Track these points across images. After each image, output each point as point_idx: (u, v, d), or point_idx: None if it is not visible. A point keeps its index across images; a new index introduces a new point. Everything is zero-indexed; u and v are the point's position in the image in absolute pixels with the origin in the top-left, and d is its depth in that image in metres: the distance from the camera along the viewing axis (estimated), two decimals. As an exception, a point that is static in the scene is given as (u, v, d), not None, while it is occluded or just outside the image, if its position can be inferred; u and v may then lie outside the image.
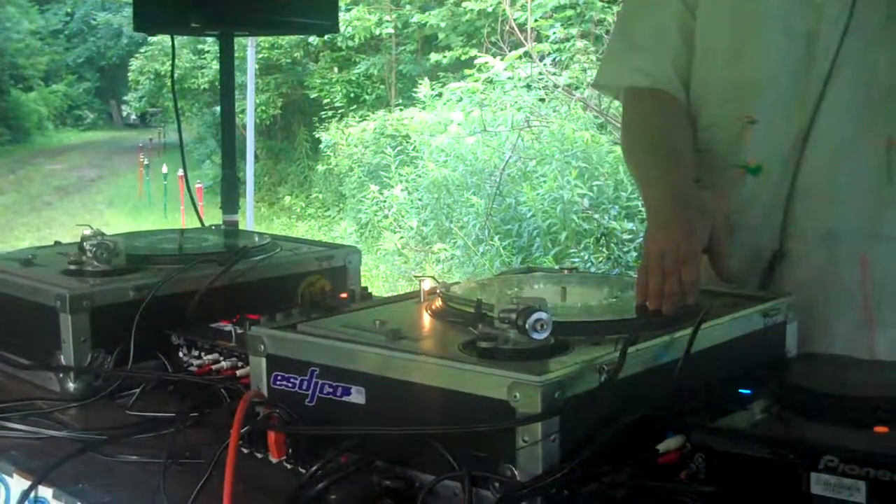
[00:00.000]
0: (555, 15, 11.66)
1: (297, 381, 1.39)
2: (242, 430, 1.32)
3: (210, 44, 16.81)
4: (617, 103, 2.05)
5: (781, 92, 1.90)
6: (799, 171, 1.87)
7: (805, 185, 1.88)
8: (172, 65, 3.68)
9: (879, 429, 1.14)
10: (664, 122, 2.01)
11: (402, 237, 11.66)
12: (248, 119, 10.82)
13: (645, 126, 2.06)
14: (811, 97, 1.86)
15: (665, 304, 1.49)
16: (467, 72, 12.51)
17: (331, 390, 1.35)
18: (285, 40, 17.02)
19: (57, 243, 2.24)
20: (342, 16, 14.32)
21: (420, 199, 11.58)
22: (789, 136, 1.88)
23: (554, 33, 11.45)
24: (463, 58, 14.00)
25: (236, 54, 3.94)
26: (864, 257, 1.87)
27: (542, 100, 11.08)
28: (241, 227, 4.07)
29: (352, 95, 16.88)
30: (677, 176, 1.85)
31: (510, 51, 11.71)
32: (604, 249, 9.14)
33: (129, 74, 24.96)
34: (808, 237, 1.88)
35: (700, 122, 2.04)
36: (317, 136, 16.25)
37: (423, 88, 13.49)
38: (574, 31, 11.58)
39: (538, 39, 11.20)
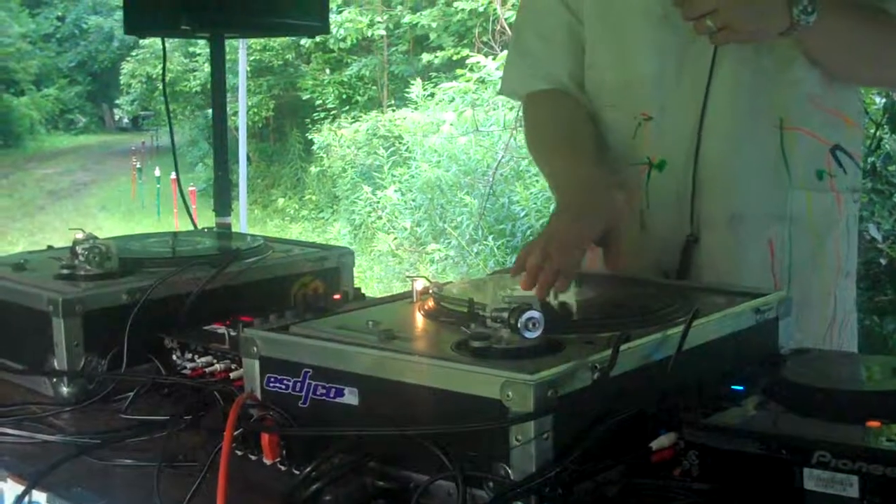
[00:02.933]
0: (546, 14, 11.66)
1: (291, 383, 1.39)
2: (236, 433, 1.33)
3: (201, 46, 16.81)
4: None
5: (671, 86, 1.93)
6: (699, 161, 1.90)
7: (707, 174, 1.91)
8: (164, 68, 3.69)
9: (871, 423, 1.14)
10: (567, 120, 2.04)
11: (395, 238, 11.67)
12: (241, 121, 10.82)
13: (549, 125, 2.09)
14: (700, 87, 1.88)
15: (537, 289, 1.53)
16: (459, 72, 12.52)
17: (324, 391, 1.35)
18: (277, 42, 17.04)
19: (49, 248, 2.24)
20: (333, 17, 14.34)
21: (413, 200, 11.60)
22: (686, 129, 1.90)
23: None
24: (455, 58, 14.01)
25: (228, 56, 3.94)
26: (770, 240, 1.91)
27: (534, 99, 11.06)
28: (234, 229, 4.07)
29: (344, 97, 16.90)
30: (583, 169, 1.90)
31: (501, 50, 11.72)
32: (597, 248, 9.13)
33: (120, 78, 25.00)
34: (716, 223, 1.91)
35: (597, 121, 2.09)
36: (309, 137, 16.27)
37: (416, 89, 13.51)
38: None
39: (529, 39, 11.18)
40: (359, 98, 16.84)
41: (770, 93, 1.88)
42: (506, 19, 11.58)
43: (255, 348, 1.44)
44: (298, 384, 1.38)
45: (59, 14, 37.64)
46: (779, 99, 1.88)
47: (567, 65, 2.07)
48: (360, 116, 15.19)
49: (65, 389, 1.76)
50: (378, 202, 12.20)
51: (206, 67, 15.49)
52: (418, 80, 13.87)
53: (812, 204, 1.93)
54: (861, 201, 2.18)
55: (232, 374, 1.68)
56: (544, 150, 2.08)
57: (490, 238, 9.87)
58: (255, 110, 17.54)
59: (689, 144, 1.90)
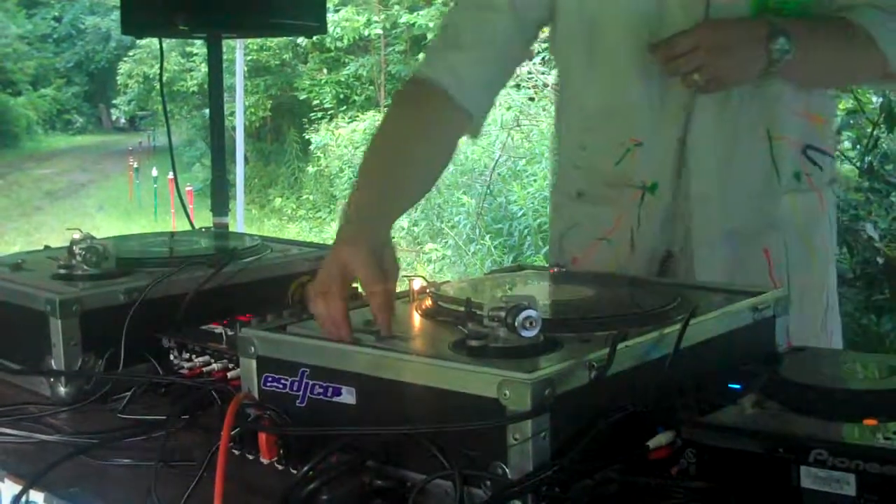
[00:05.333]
0: (543, 14, 11.66)
1: (288, 383, 1.39)
2: (233, 432, 1.32)
3: (198, 46, 16.80)
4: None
5: (656, 110, 1.93)
6: (690, 181, 1.93)
7: (699, 193, 1.93)
8: (161, 68, 3.68)
9: (869, 421, 1.15)
10: (421, 145, 1.86)
11: (392, 237, 11.65)
12: (238, 121, 10.81)
13: (399, 134, 1.88)
14: (684, 109, 1.90)
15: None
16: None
17: (321, 391, 1.35)
18: (274, 42, 17.01)
19: (47, 248, 2.24)
20: (330, 17, 14.30)
21: (410, 200, 11.56)
22: (673, 151, 1.92)
23: (542, 33, 11.43)
24: (452, 57, 13.97)
25: (225, 56, 3.94)
26: (766, 248, 1.95)
27: (531, 99, 11.09)
28: (231, 229, 4.07)
29: (341, 97, 16.88)
30: (382, 216, 1.69)
31: (499, 50, 11.68)
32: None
33: (117, 78, 24.98)
34: (713, 240, 1.95)
35: (575, 142, 2.09)
36: (307, 137, 16.25)
37: (413, 89, 13.45)
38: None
39: (526, 38, 11.18)
40: (356, 98, 16.81)
41: (755, 107, 1.91)
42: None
43: (252, 348, 1.44)
44: (296, 383, 1.38)
45: (56, 14, 37.57)
46: (764, 112, 1.92)
47: (492, 70, 1.97)
48: (358, 116, 15.16)
49: (62, 389, 1.76)
50: (376, 202, 12.15)
51: (204, 67, 15.50)
52: (415, 79, 13.83)
53: (797, 205, 1.98)
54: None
55: (229, 374, 1.69)
56: (375, 160, 1.82)
57: (487, 237, 9.86)
58: (253, 110, 17.52)
59: (677, 165, 1.93)
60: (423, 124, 1.90)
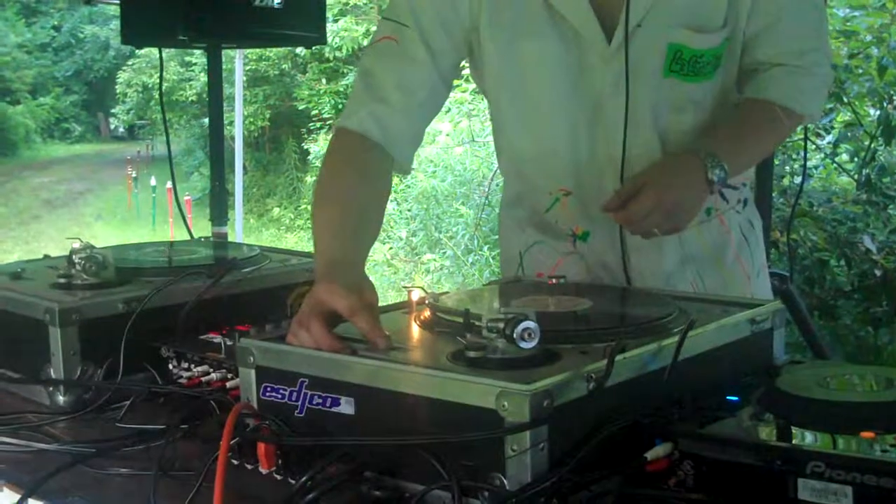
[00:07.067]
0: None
1: (287, 393, 1.39)
2: (232, 442, 1.33)
3: (198, 56, 16.81)
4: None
5: (586, 158, 1.95)
6: (627, 232, 1.95)
7: (636, 244, 1.98)
8: (160, 77, 3.69)
9: (866, 434, 1.15)
10: (364, 189, 1.85)
11: (391, 248, 11.65)
12: (237, 131, 10.81)
13: (345, 188, 1.85)
14: (615, 159, 1.91)
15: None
16: (455, 82, 12.48)
17: (320, 401, 1.35)
18: (273, 52, 17.02)
19: (46, 257, 2.24)
20: (329, 27, 14.31)
21: (409, 210, 11.58)
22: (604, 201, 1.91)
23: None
24: (450, 68, 13.98)
25: (224, 66, 3.94)
26: (691, 281, 2.02)
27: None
28: (230, 238, 4.07)
29: (340, 107, 16.85)
30: (350, 258, 1.67)
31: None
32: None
33: (116, 87, 24.99)
34: (649, 281, 1.99)
35: (512, 180, 2.16)
36: (305, 147, 16.26)
37: (411, 99, 13.46)
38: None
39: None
40: (355, 108, 16.80)
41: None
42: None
43: (251, 358, 1.44)
44: (294, 393, 1.38)
45: (56, 23, 37.56)
46: None
47: (413, 120, 1.96)
48: (356, 127, 15.14)
49: (61, 398, 1.76)
50: (374, 212, 12.13)
51: (203, 77, 15.51)
52: (414, 90, 13.83)
53: (703, 235, 2.04)
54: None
55: (228, 384, 1.69)
56: (327, 212, 1.80)
57: (485, 248, 9.85)
58: (252, 120, 17.53)
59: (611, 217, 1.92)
60: (361, 170, 1.88)
